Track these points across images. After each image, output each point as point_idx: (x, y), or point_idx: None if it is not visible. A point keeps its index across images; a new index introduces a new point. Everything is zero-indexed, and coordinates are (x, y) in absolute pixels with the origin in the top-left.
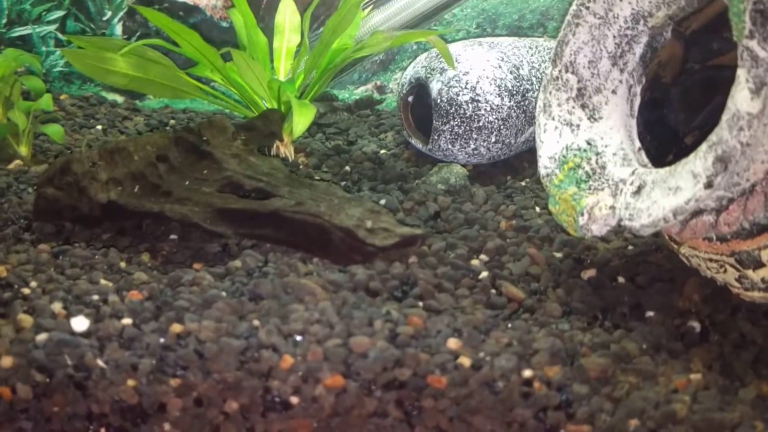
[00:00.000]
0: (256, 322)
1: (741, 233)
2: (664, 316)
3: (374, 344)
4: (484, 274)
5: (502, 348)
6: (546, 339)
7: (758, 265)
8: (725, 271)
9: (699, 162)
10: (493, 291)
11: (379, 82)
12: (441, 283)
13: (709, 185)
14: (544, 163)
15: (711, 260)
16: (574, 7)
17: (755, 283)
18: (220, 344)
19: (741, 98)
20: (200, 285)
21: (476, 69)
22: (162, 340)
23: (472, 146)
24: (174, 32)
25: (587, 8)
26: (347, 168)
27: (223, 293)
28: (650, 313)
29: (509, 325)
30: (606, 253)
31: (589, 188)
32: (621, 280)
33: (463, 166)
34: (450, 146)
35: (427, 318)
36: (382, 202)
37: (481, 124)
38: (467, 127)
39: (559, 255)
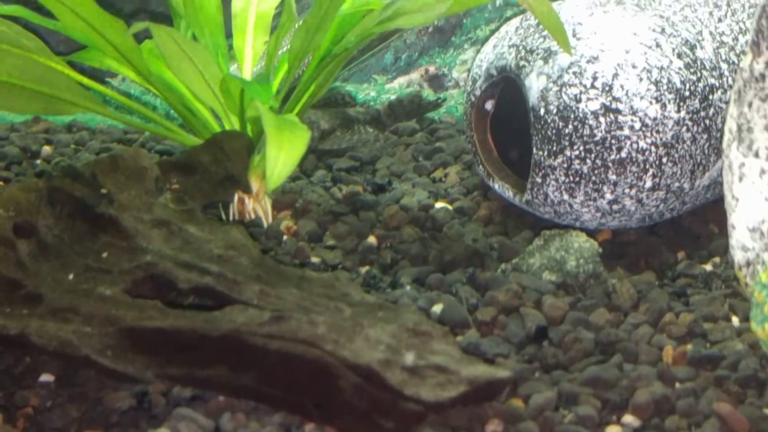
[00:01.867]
0: None
1: None
2: None
3: None
4: None
5: None
6: None
7: None
8: None
9: None
10: None
11: (433, 68)
12: None
13: None
14: (742, 239)
15: None
16: None
17: None
18: None
19: None
20: None
21: (613, 50)
22: None
23: (609, 196)
24: None
25: None
26: (371, 240)
27: None
28: None
29: None
30: None
31: None
32: None
33: (592, 235)
34: (567, 197)
35: None
36: (437, 309)
37: (624, 154)
38: (599, 161)
39: None
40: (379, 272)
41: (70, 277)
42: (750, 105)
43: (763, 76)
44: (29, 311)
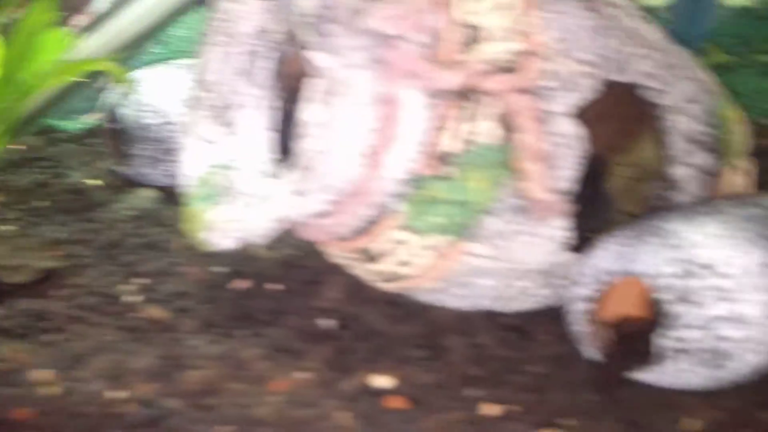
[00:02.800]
0: None
1: (355, 232)
2: (302, 317)
3: None
4: (133, 298)
5: (97, 372)
6: (148, 359)
7: (374, 258)
8: (356, 266)
9: (293, 172)
10: (136, 314)
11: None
12: (80, 315)
13: (299, 192)
14: (184, 181)
15: (345, 258)
16: (205, 28)
17: (377, 274)
18: None
19: (311, 108)
20: None
21: (166, 92)
22: None
23: (166, 168)
24: None
25: (215, 29)
26: (46, 203)
27: None
28: (289, 316)
29: (133, 348)
30: (264, 262)
31: (219, 203)
32: (271, 286)
33: (161, 188)
34: (149, 170)
35: (35, 352)
36: (56, 235)
37: (171, 145)
38: (159, 150)
39: (218, 269)
40: (39, 219)
41: None
42: (191, 112)
43: (196, 97)
44: None
